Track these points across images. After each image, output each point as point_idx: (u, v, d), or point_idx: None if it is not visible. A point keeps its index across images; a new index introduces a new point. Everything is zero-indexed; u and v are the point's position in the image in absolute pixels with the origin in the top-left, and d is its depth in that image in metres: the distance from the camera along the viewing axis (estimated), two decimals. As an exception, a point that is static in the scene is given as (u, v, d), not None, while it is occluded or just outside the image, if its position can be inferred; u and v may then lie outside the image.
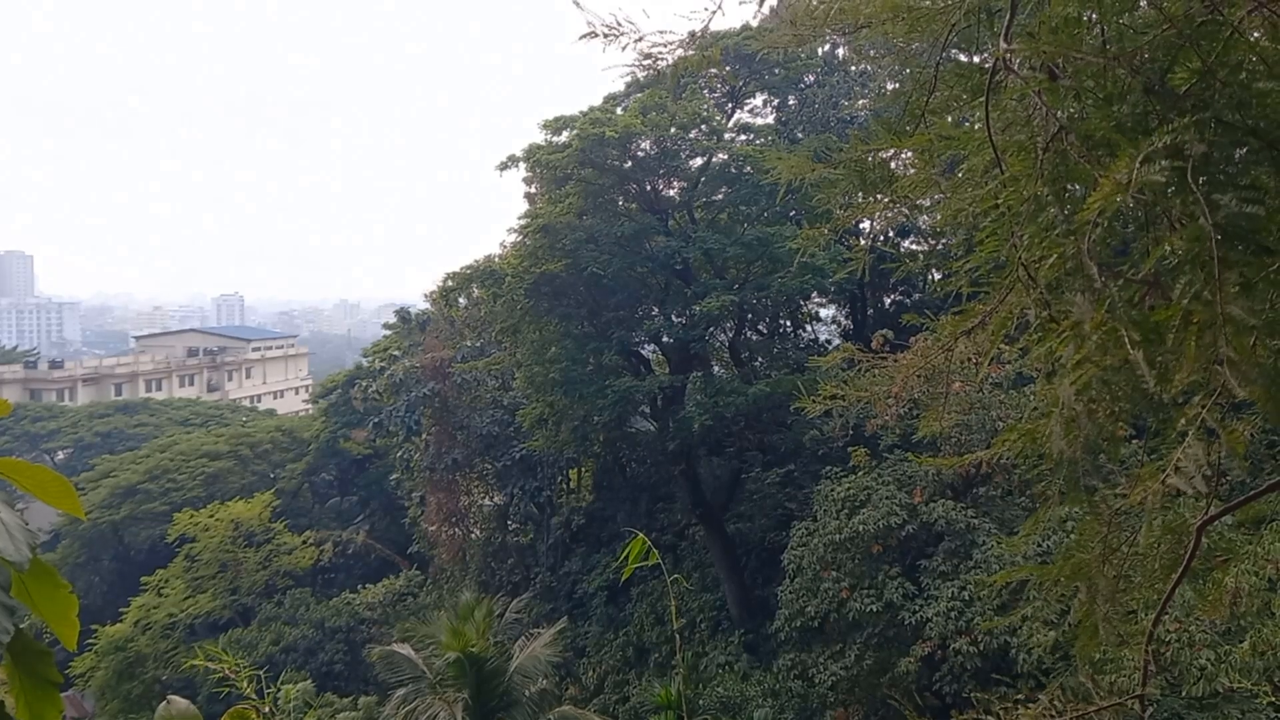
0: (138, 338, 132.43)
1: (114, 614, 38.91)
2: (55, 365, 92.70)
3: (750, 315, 32.61)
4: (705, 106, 30.54)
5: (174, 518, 42.60)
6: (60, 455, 64.69)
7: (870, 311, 34.11)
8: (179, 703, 2.19)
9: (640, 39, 4.00)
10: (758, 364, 33.48)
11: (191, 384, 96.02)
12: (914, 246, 29.25)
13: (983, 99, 3.21)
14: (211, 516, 41.68)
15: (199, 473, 50.77)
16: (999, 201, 3.05)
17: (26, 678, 1.68)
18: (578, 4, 3.72)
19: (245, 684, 6.60)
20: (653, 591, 30.16)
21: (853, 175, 4.54)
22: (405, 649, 21.23)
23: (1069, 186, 2.78)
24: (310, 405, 72.57)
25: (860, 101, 31.05)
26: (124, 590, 42.23)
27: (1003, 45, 2.84)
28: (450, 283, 36.47)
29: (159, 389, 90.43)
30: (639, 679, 27.76)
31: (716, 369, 34.30)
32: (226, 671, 6.71)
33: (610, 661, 29.85)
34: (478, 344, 39.29)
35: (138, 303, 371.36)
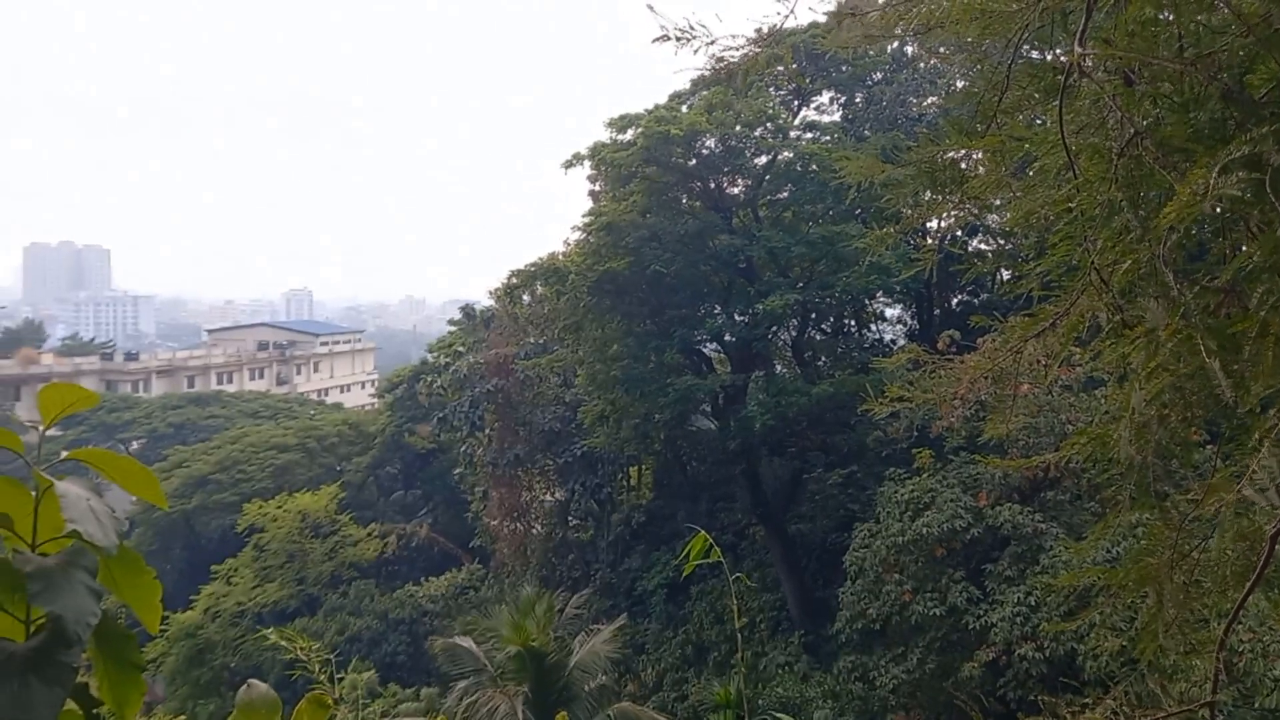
0: (210, 331, 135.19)
1: (184, 601, 39.76)
2: (131, 357, 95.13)
3: (814, 314, 32.37)
4: (771, 104, 30.40)
5: (243, 508, 43.45)
6: (134, 445, 66.07)
7: (937, 311, 33.65)
8: (259, 687, 2.25)
9: (712, 42, 4.03)
10: (821, 364, 33.23)
11: (261, 377, 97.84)
12: (982, 246, 28.83)
13: (1056, 100, 3.18)
14: (280, 507, 42.41)
15: (268, 464, 51.72)
16: (1072, 205, 3.03)
17: (110, 661, 1.73)
18: (651, 8, 3.76)
19: (318, 668, 6.73)
20: (712, 590, 30.10)
21: (922, 175, 4.52)
22: (467, 642, 21.45)
23: (1144, 192, 2.75)
24: (376, 400, 73.61)
25: (930, 99, 30.67)
26: (194, 578, 43.12)
27: (1077, 49, 2.81)
28: (514, 280, 36.79)
29: (230, 381, 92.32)
30: (698, 677, 27.74)
31: (779, 368, 34.10)
32: (300, 654, 6.85)
33: (669, 659, 29.86)
34: (541, 341, 39.50)
35: (210, 297, 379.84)
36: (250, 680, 2.30)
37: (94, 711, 1.66)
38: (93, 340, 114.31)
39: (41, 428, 1.80)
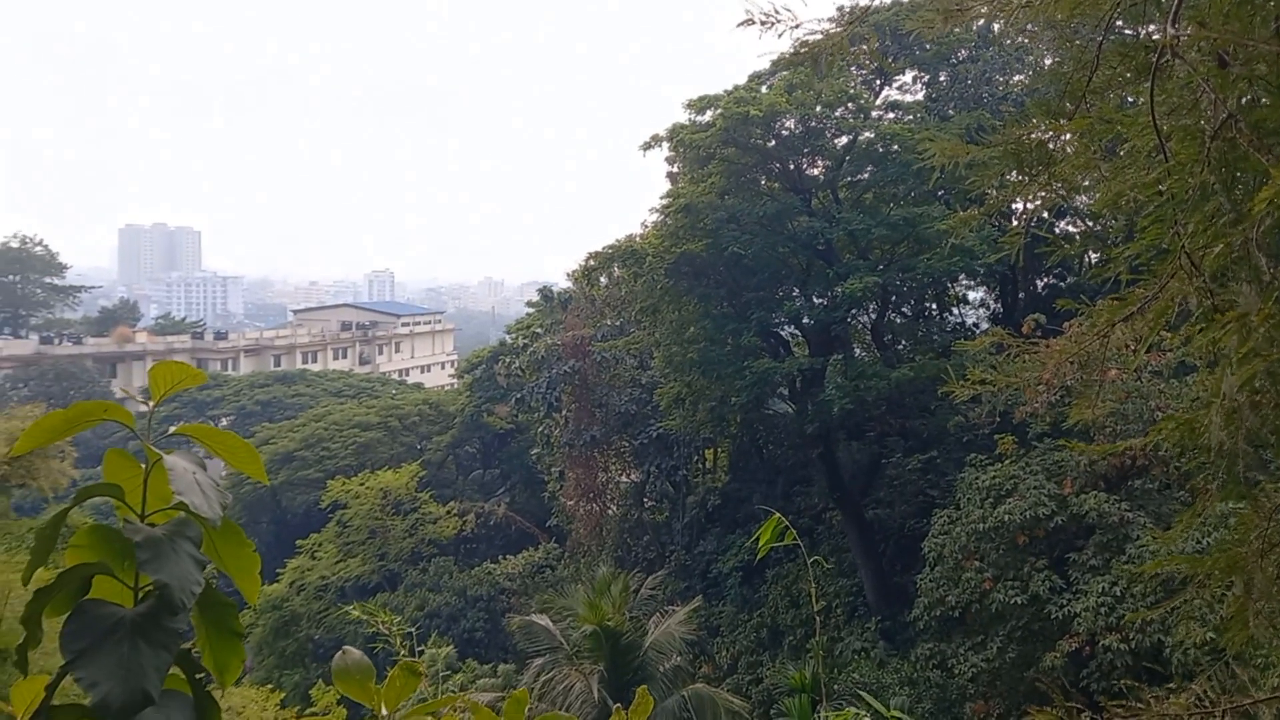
0: (295, 311, 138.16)
1: (270, 574, 40.86)
2: (220, 336, 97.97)
3: (894, 297, 31.92)
4: (852, 84, 29.98)
5: (327, 485, 44.44)
6: (223, 421, 67.79)
7: (1021, 295, 32.90)
8: (353, 653, 2.32)
9: (797, 26, 4.00)
10: (901, 347, 32.79)
11: (345, 356, 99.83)
12: (1070, 227, 28.12)
13: (1147, 80, 3.11)
14: (362, 485, 43.27)
15: (351, 442, 52.82)
16: (1163, 188, 2.96)
17: (212, 628, 1.80)
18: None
19: (398, 642, 6.89)
20: (788, 574, 29.99)
21: (1008, 156, 4.44)
22: (543, 620, 21.75)
23: (1238, 175, 2.67)
24: (455, 380, 74.54)
25: (1016, 77, 29.96)
26: (280, 552, 44.27)
27: (1170, 30, 2.74)
28: (592, 262, 36.91)
29: (314, 361, 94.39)
30: (773, 661, 27.67)
31: (858, 351, 33.67)
32: (381, 628, 7.03)
33: (744, 642, 29.85)
34: (617, 323, 39.64)
35: (295, 278, 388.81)
36: (345, 646, 2.38)
37: (196, 676, 1.73)
38: (184, 319, 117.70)
39: (152, 403, 1.87)
